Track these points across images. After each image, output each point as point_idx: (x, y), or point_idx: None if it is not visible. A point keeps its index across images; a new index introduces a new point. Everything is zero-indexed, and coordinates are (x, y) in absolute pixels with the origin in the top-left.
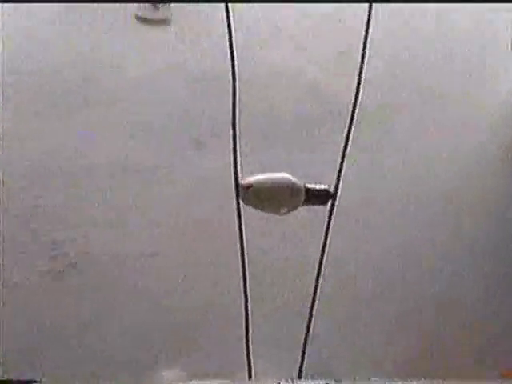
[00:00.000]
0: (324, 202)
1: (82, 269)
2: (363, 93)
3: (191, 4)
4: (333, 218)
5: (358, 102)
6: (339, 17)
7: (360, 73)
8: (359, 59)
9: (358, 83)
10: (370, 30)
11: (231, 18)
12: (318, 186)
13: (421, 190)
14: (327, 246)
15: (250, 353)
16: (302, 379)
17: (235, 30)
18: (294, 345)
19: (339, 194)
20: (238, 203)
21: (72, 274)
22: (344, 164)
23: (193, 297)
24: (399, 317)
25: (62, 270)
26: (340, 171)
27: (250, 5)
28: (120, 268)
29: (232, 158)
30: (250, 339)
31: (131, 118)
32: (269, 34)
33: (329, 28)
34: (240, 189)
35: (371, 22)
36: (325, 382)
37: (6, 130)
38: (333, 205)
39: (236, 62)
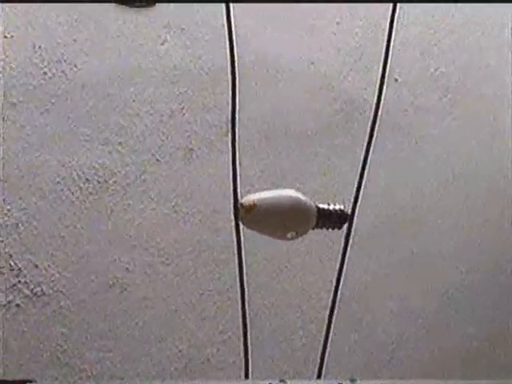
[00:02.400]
0: (339, 226)
1: (45, 300)
2: (386, 93)
3: None
4: (349, 244)
5: (381, 104)
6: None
7: (384, 69)
8: (382, 53)
9: (381, 82)
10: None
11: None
12: (332, 206)
13: (451, 207)
14: (342, 277)
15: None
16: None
17: (234, 11)
18: None
19: (357, 215)
20: (238, 226)
21: (34, 306)
22: (364, 179)
23: (178, 337)
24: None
25: (21, 302)
26: (359, 188)
27: None
28: (90, 299)
29: (230, 171)
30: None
31: (107, 120)
32: (273, 18)
33: (345, 9)
34: (240, 209)
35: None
36: (337, 381)
37: None
38: (349, 229)
39: (236, 54)
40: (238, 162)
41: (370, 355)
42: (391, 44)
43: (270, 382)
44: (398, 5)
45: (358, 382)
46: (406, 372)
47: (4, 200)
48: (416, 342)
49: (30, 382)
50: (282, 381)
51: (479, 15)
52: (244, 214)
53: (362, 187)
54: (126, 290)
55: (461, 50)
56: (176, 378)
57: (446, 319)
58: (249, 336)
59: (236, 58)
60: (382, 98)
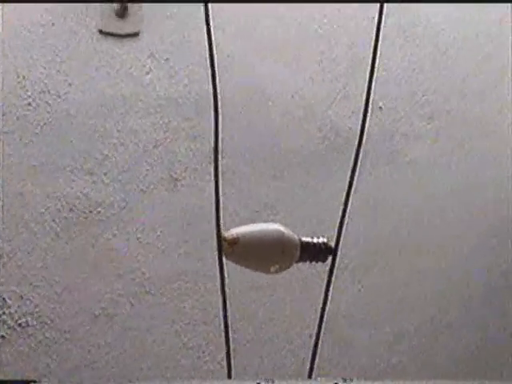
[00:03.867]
0: (323, 259)
1: (29, 331)
2: (371, 120)
3: (164, 11)
4: (333, 277)
5: (365, 132)
6: (341, 25)
7: (367, 97)
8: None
9: (365, 110)
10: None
11: (211, 29)
12: (315, 240)
13: (436, 239)
14: (326, 311)
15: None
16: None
17: (219, 39)
18: None
19: (341, 248)
20: (221, 259)
21: (19, 337)
22: (347, 211)
23: (164, 367)
24: None
25: (6, 333)
26: (342, 220)
27: (234, 10)
28: (75, 330)
29: (214, 201)
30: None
31: (90, 151)
32: (257, 46)
33: (329, 38)
34: (223, 243)
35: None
36: (334, 381)
37: None
38: (333, 261)
39: (218, 83)
40: (220, 193)
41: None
42: (375, 72)
43: (258, 382)
44: (382, 33)
45: (349, 381)
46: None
47: None
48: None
49: (35, 382)
50: (269, 380)
51: (464, 42)
52: (227, 248)
53: (347, 217)
54: (111, 320)
55: (444, 76)
56: None
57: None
58: (232, 359)
59: (218, 88)
60: (367, 126)
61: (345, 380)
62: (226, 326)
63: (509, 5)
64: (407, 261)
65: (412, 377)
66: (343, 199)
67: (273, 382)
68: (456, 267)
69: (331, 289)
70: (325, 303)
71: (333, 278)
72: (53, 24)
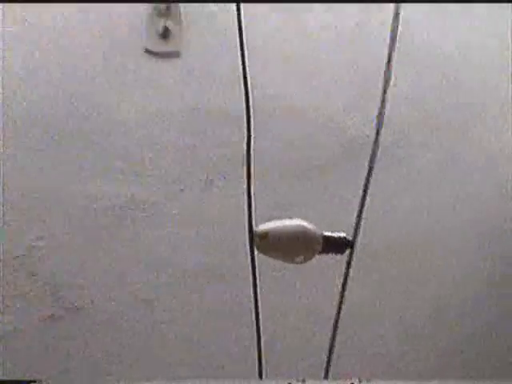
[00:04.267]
0: (342, 251)
1: (82, 313)
2: (385, 129)
3: (202, 34)
4: (351, 267)
5: (379, 141)
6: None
7: (381, 109)
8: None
9: (379, 121)
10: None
11: (245, 50)
12: (335, 234)
13: (446, 233)
14: (344, 297)
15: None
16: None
17: (250, 61)
18: None
19: (358, 242)
20: (252, 251)
21: (73, 319)
22: (364, 209)
23: (200, 351)
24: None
25: (64, 312)
26: (359, 217)
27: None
28: (120, 314)
29: (246, 201)
30: None
31: (135, 157)
32: (280, 65)
33: (348, 56)
34: (254, 237)
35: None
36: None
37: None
38: (351, 253)
39: (250, 98)
40: (252, 193)
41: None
42: (388, 86)
43: (290, 382)
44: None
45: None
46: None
47: (45, 227)
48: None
49: (35, 382)
50: (300, 380)
51: (467, 57)
52: (258, 242)
53: (363, 215)
54: (152, 305)
55: (449, 90)
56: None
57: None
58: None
59: (251, 100)
60: (381, 133)
61: (360, 380)
62: (258, 319)
63: None
64: (413, 258)
65: (416, 365)
66: (359, 200)
67: (304, 381)
68: (457, 265)
69: (348, 279)
70: (342, 296)
71: (350, 269)
72: (106, 43)
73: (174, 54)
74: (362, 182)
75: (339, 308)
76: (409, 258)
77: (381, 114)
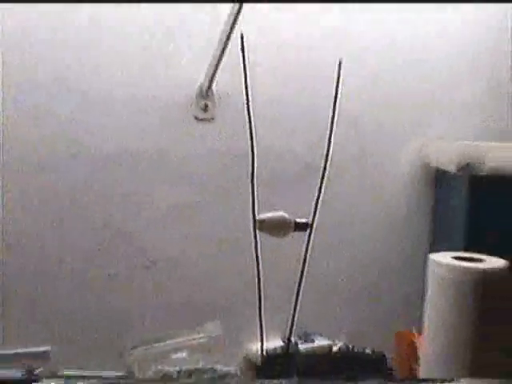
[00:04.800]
0: (305, 230)
1: (160, 264)
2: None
3: (226, 109)
4: (311, 239)
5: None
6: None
7: (328, 147)
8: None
9: (328, 146)
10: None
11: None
12: (301, 220)
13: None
14: (308, 256)
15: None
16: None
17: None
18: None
19: (314, 225)
20: (255, 230)
21: (154, 267)
22: (318, 205)
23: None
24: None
25: (148, 264)
26: (315, 210)
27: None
28: (180, 264)
29: (251, 202)
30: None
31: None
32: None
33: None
34: (257, 222)
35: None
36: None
37: None
38: (310, 231)
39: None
40: (256, 198)
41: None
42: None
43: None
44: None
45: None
46: None
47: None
48: None
49: (35, 381)
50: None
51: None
52: (258, 225)
53: (318, 209)
54: (212, 262)
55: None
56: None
57: None
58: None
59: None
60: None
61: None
62: (258, 275)
63: None
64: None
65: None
66: (315, 200)
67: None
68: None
69: (310, 247)
70: (305, 260)
71: (310, 240)
72: (173, 113)
73: (210, 120)
74: (316, 189)
75: (304, 263)
76: (336, 233)
77: (328, 150)
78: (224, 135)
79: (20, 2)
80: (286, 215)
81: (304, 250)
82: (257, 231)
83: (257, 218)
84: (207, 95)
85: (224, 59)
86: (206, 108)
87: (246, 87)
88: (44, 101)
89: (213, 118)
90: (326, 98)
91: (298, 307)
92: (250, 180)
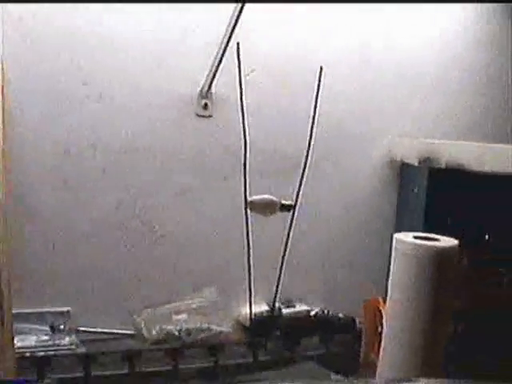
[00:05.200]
0: (289, 211)
1: (167, 238)
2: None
3: (223, 107)
4: (294, 217)
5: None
6: None
7: (309, 141)
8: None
9: (308, 147)
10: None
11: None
12: (286, 202)
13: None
14: (291, 233)
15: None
16: None
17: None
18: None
19: (301, 203)
20: (246, 210)
21: (161, 240)
22: (300, 190)
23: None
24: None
25: (156, 238)
26: (298, 194)
27: None
28: (183, 238)
29: (243, 186)
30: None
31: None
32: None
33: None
34: (248, 203)
35: None
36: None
37: None
38: (294, 211)
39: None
40: (247, 183)
41: None
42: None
43: None
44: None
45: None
46: None
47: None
48: None
49: (35, 381)
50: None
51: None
52: (249, 205)
53: (300, 194)
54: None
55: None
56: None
57: None
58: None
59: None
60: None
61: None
62: (248, 249)
63: None
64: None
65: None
66: (297, 186)
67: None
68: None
69: (293, 226)
70: (288, 236)
71: (294, 218)
72: (176, 111)
73: (209, 116)
74: (298, 178)
75: (287, 239)
76: (314, 215)
77: (309, 144)
78: (221, 130)
79: (20, 2)
80: (274, 197)
81: (288, 228)
82: (248, 211)
83: (248, 200)
84: (207, 95)
85: (223, 64)
86: (205, 106)
87: (241, 89)
88: (67, 98)
89: (211, 115)
90: (308, 101)
91: (281, 277)
92: (243, 167)
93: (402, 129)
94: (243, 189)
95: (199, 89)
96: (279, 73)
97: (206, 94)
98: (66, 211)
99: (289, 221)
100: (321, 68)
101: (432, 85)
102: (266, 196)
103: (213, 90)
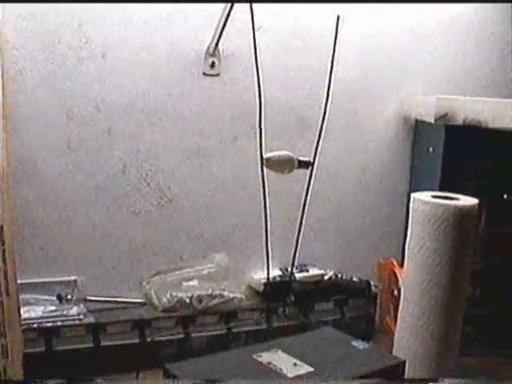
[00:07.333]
0: (307, 167)
1: (175, 202)
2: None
3: (230, 66)
4: (313, 175)
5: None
6: None
7: (326, 104)
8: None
9: (326, 104)
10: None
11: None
12: (304, 158)
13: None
14: (310, 188)
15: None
16: None
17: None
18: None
19: (316, 163)
20: (262, 167)
21: (169, 205)
22: (318, 148)
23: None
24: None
25: (164, 202)
26: (316, 151)
27: None
28: (192, 202)
29: (258, 141)
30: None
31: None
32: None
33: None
34: (264, 160)
35: None
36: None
37: None
38: (312, 168)
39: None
40: (263, 141)
41: None
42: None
43: None
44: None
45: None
46: None
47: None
48: None
49: (35, 381)
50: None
51: None
52: (265, 163)
53: (318, 151)
54: (219, 201)
55: None
56: None
57: None
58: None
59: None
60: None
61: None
62: (265, 209)
63: None
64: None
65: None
66: (315, 143)
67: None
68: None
69: (311, 185)
70: (306, 195)
71: (312, 176)
72: (184, 69)
73: (216, 75)
74: (312, 138)
75: (305, 199)
76: (328, 177)
77: (326, 106)
78: (228, 89)
79: (20, 2)
80: (291, 154)
81: (305, 188)
82: (263, 169)
83: (264, 156)
84: (214, 53)
85: (229, 22)
86: (213, 65)
87: (255, 46)
88: (69, 58)
89: (218, 74)
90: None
91: (299, 242)
92: (257, 124)
93: (414, 87)
94: (258, 145)
95: (206, 47)
96: (287, 31)
97: (213, 52)
98: (70, 176)
99: (303, 181)
100: (337, 17)
101: (444, 43)
102: (283, 152)
103: (220, 48)
